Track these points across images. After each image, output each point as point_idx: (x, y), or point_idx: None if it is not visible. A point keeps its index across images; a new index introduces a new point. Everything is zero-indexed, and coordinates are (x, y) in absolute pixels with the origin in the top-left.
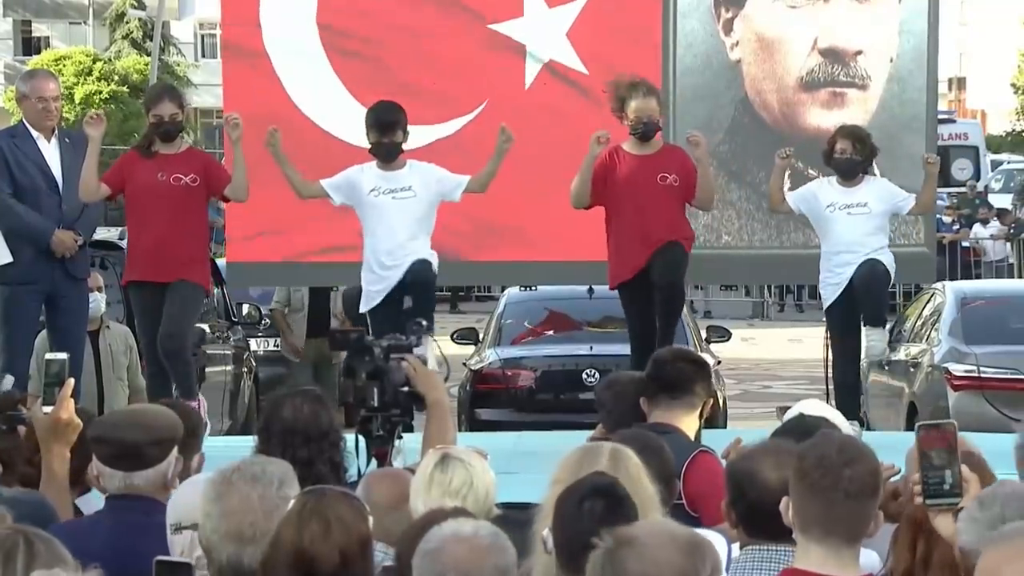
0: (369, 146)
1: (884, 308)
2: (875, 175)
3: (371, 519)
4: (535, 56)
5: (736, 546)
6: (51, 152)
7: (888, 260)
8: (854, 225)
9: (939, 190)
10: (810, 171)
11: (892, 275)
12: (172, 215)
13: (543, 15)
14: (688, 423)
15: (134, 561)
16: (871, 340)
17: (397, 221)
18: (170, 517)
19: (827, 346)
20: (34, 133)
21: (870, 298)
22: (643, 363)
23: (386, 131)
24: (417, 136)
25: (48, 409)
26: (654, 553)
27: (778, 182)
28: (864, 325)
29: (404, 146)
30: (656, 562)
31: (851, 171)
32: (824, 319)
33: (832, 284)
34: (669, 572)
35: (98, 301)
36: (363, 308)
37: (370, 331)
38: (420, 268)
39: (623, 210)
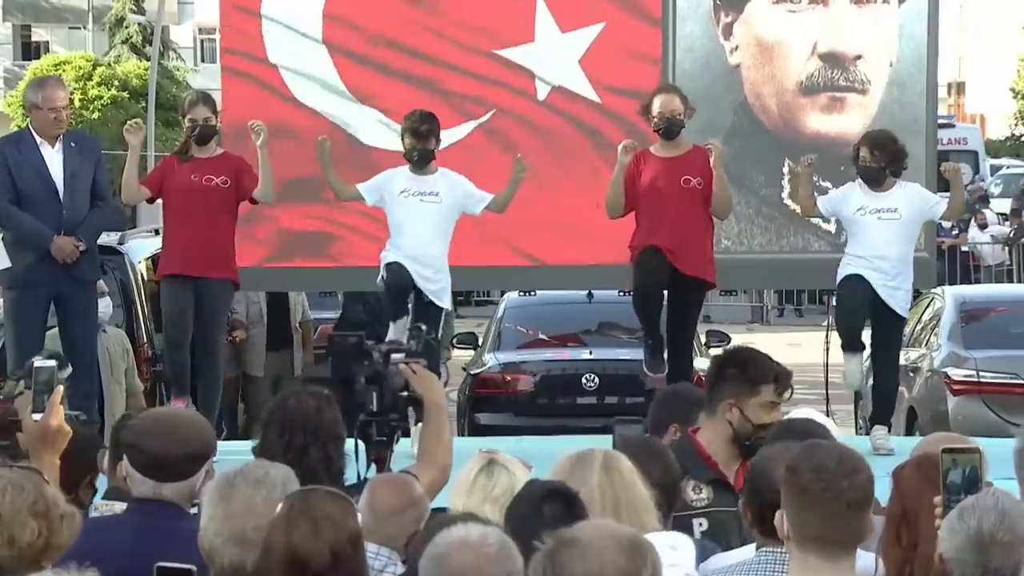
0: (403, 151)
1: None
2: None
3: (360, 515)
4: (544, 81)
5: (753, 548)
6: (54, 158)
7: (905, 298)
8: (883, 230)
9: (938, 193)
10: (820, 180)
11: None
12: (204, 213)
13: (555, 40)
14: (708, 430)
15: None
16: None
17: (420, 222)
18: None
19: (826, 351)
20: (38, 139)
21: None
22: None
23: (421, 139)
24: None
25: (38, 416)
26: (596, 554)
27: (807, 189)
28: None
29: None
30: (598, 562)
31: (874, 177)
32: (823, 322)
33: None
34: (611, 572)
35: (109, 305)
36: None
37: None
38: (433, 312)
39: (646, 213)
